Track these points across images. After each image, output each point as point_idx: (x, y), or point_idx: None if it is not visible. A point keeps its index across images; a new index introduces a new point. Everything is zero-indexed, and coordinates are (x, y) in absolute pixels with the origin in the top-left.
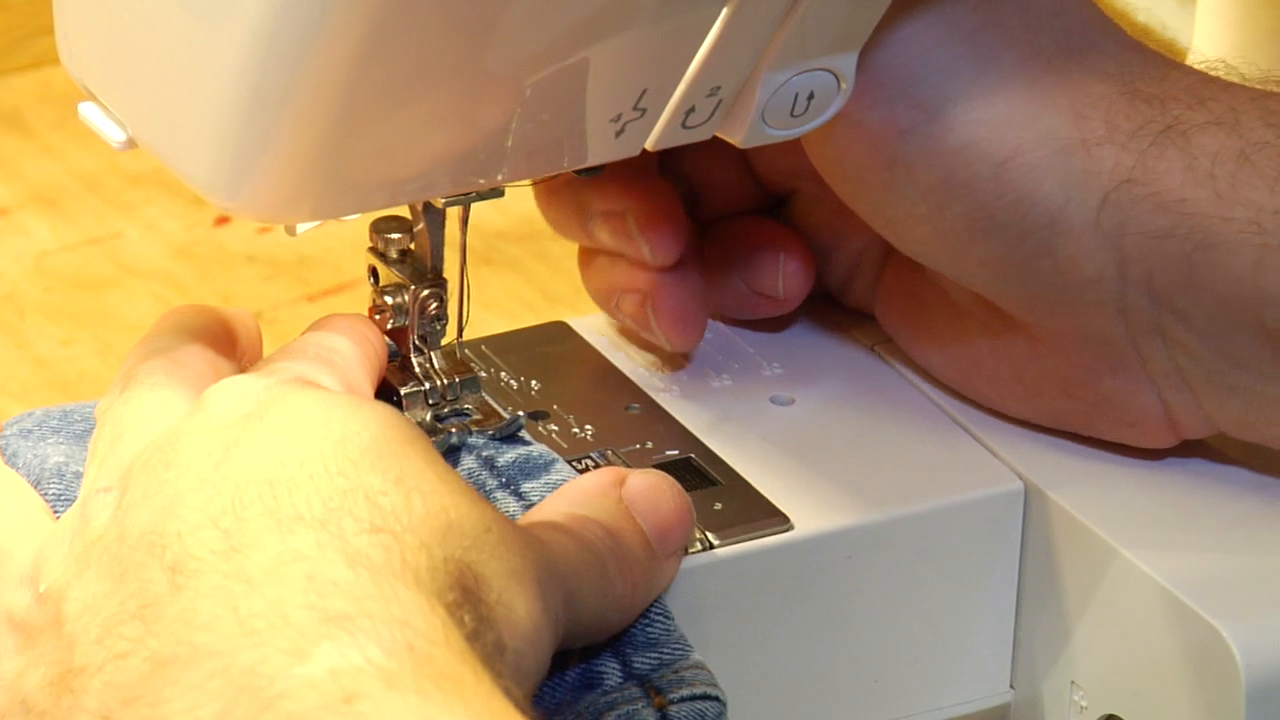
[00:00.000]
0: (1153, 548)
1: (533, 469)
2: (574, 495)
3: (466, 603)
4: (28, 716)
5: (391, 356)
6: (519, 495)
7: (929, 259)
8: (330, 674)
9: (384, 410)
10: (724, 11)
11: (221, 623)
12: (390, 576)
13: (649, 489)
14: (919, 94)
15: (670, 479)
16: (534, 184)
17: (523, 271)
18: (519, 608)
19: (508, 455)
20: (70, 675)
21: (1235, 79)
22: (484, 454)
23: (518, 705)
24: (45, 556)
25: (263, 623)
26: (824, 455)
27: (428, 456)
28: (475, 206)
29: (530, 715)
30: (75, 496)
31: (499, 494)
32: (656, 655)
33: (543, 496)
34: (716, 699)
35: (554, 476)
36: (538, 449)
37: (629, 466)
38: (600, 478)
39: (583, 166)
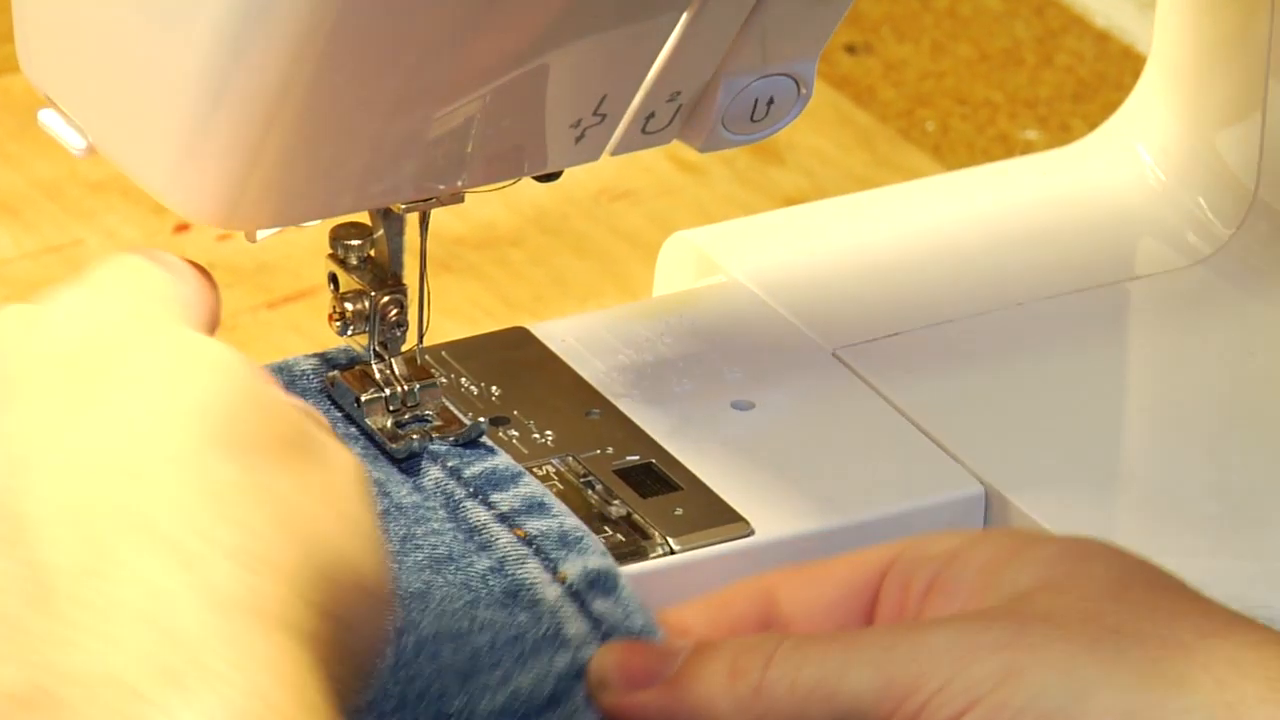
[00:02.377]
0: None
1: (500, 480)
2: None
3: (324, 629)
4: None
5: (351, 363)
6: (489, 505)
7: None
8: None
9: (254, 386)
10: (684, 17)
11: (87, 672)
12: (250, 625)
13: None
14: None
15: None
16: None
17: (483, 277)
18: (375, 615)
19: (475, 467)
20: None
21: None
22: (449, 464)
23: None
24: None
25: (122, 675)
26: (784, 460)
27: (290, 442)
28: (435, 213)
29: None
30: None
31: (469, 503)
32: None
33: (513, 507)
34: None
35: (522, 489)
36: (503, 461)
37: (589, 472)
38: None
39: (542, 172)
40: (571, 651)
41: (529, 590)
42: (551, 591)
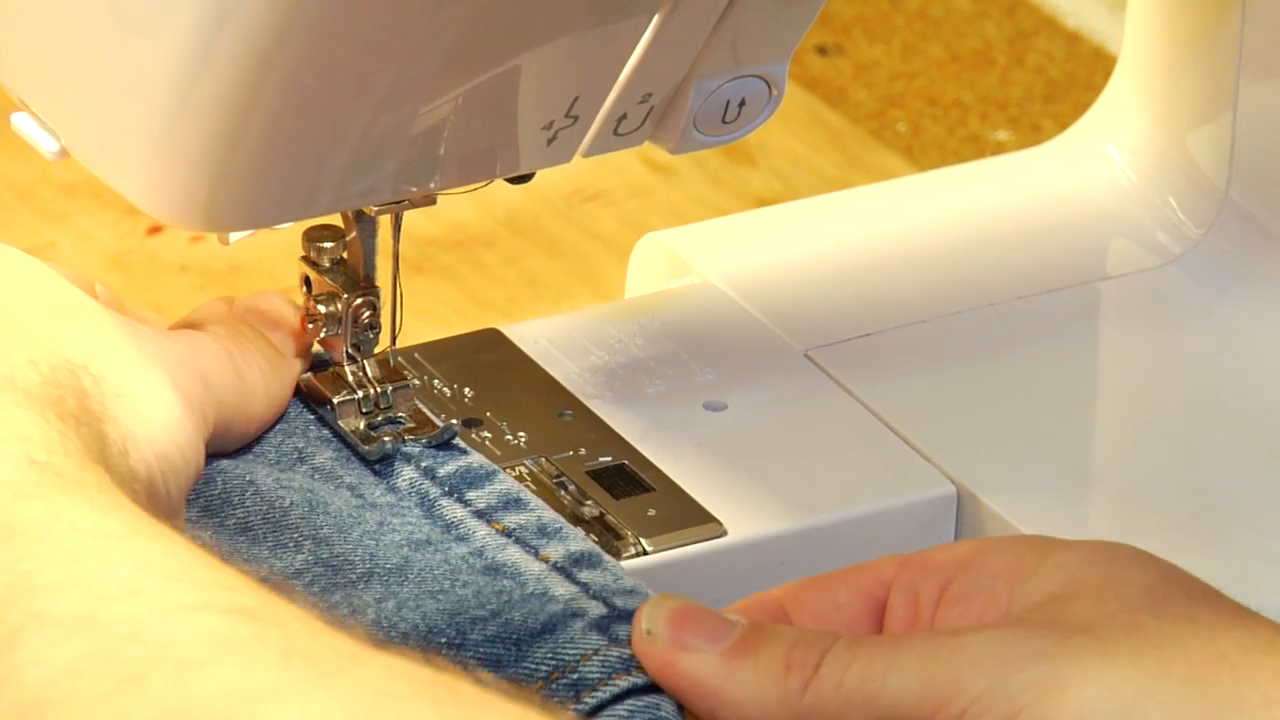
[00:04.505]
0: None
1: (474, 479)
2: (186, 320)
3: (83, 405)
4: None
5: (324, 365)
6: (464, 502)
7: None
8: None
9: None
10: (655, 19)
11: None
12: (2, 398)
13: (255, 298)
14: None
15: (279, 294)
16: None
17: (455, 279)
18: (145, 397)
19: (448, 466)
20: None
21: None
22: (423, 464)
23: (138, 501)
24: None
25: None
26: (757, 461)
27: (29, 272)
28: (407, 214)
29: (172, 513)
30: None
31: (444, 501)
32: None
33: (489, 504)
34: None
35: (497, 486)
36: (476, 460)
37: (562, 473)
38: (210, 303)
39: (514, 174)
40: (563, 603)
41: (511, 566)
42: (536, 567)
